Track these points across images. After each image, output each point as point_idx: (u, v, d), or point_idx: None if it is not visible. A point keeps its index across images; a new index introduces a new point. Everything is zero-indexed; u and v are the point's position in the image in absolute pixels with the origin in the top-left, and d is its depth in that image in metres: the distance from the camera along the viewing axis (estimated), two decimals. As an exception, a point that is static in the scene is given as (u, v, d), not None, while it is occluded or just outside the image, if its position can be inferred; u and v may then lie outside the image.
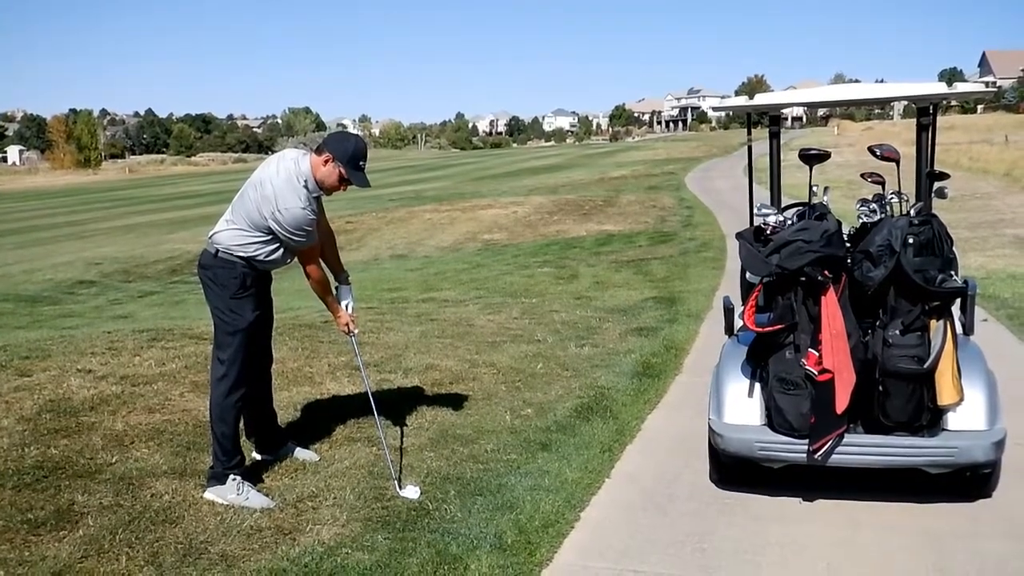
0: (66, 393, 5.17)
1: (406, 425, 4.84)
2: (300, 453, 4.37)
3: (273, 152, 3.70)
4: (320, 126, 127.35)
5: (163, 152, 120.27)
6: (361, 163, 3.90)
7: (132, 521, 3.60)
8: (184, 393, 5.27)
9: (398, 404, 5.18)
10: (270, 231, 3.81)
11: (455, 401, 5.26)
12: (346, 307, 4.13)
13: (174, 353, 6.20)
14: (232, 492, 3.80)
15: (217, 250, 3.88)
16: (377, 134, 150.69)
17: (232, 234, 3.87)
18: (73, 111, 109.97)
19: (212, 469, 3.91)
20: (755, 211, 4.26)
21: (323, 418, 4.94)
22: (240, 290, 3.87)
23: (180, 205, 34.56)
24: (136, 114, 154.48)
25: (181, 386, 5.40)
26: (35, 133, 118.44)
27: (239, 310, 3.88)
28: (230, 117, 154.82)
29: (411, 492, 3.90)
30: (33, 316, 10.40)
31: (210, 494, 3.85)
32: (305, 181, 3.80)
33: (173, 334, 6.95)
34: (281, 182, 3.77)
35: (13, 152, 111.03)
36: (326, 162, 3.84)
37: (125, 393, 5.22)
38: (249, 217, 3.83)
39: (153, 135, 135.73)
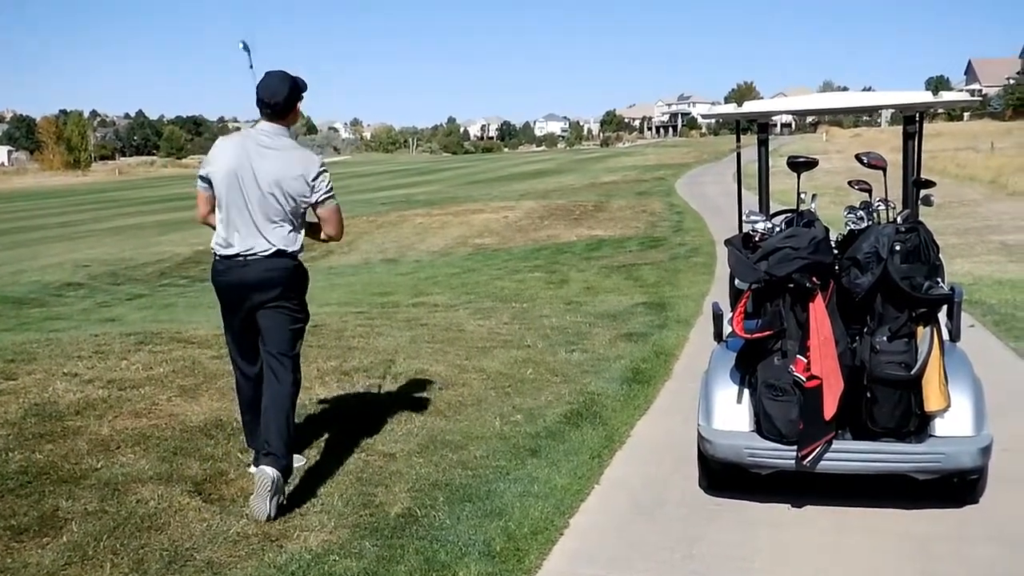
0: (51, 397, 5.13)
1: (395, 430, 4.82)
2: (288, 458, 4.35)
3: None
4: (311, 129, 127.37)
5: (153, 154, 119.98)
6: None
7: (117, 527, 3.57)
8: (172, 398, 5.24)
9: (387, 409, 5.16)
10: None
11: (444, 407, 5.24)
12: None
13: (162, 357, 6.16)
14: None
15: None
16: (368, 137, 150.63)
17: None
18: (63, 112, 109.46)
19: None
20: (744, 218, 4.27)
21: (312, 423, 4.92)
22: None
23: (170, 207, 34.39)
24: (127, 116, 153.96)
25: (168, 391, 5.37)
26: (24, 134, 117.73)
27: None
28: (221, 119, 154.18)
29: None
30: (19, 318, 10.33)
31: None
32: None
33: (161, 338, 6.91)
34: None
35: (2, 153, 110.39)
36: None
37: (112, 397, 5.19)
38: None
39: (143, 137, 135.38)
